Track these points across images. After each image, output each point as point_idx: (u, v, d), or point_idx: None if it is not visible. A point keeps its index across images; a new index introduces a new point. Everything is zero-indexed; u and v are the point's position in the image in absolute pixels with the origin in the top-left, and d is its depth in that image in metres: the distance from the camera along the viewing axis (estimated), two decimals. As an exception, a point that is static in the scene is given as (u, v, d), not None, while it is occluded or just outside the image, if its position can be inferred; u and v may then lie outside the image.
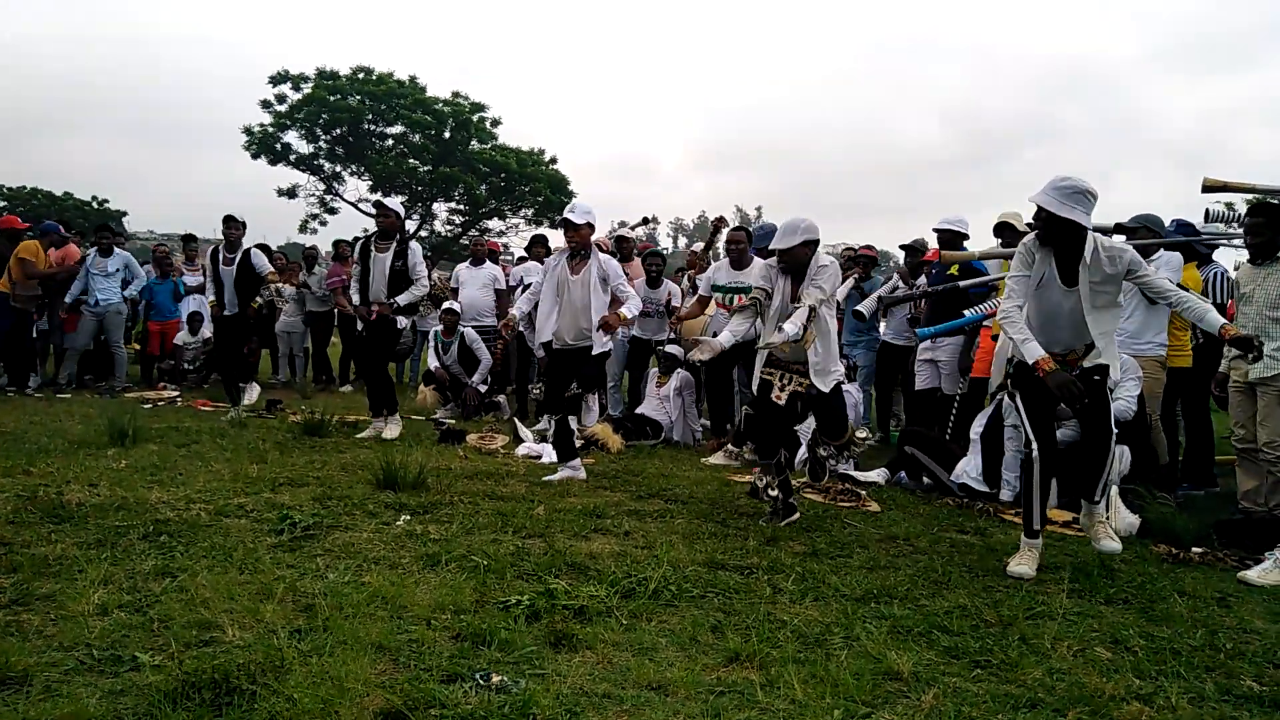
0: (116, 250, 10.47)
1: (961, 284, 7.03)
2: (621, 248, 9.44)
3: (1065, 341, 4.30)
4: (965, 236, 7.60)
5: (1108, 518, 4.42)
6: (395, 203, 7.61)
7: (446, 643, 3.01)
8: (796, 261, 4.97)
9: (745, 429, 7.09)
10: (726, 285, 7.33)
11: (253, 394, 8.65)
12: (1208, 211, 6.47)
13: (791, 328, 4.80)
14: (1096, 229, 5.87)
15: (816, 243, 5.00)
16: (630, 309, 6.02)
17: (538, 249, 9.97)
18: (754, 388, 5.31)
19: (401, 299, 7.17)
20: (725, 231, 7.87)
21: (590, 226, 6.05)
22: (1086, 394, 4.19)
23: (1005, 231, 7.53)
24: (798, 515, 5.13)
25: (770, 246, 5.03)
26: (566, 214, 6.12)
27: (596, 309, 5.96)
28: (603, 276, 6.00)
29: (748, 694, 2.72)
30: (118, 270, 10.33)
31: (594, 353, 6.07)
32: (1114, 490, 5.41)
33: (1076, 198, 4.09)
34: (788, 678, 2.81)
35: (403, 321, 7.33)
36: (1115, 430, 4.27)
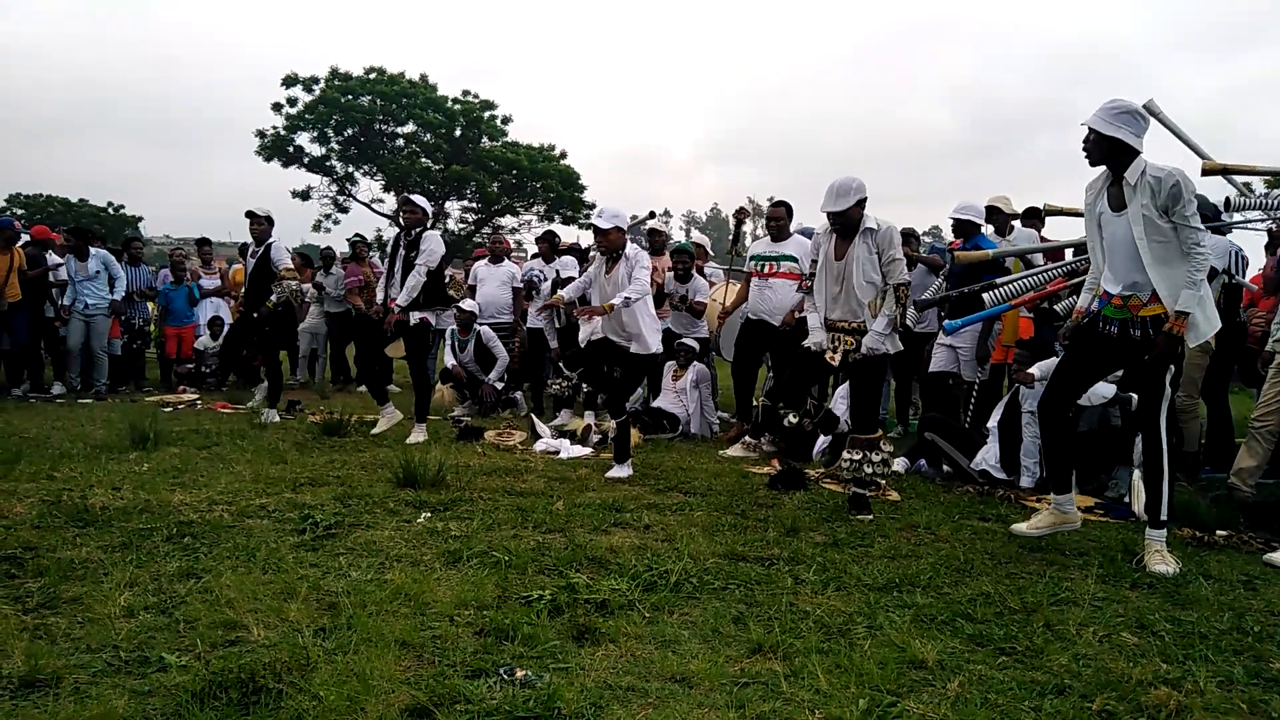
0: (93, 250, 10.28)
1: (1000, 280, 6.96)
2: (653, 241, 9.43)
3: (1127, 278, 4.16)
4: (979, 226, 7.57)
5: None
6: (422, 199, 7.60)
7: (470, 638, 3.02)
8: (850, 222, 5.02)
9: (764, 421, 7.08)
10: (763, 254, 7.35)
11: (268, 416, 8.27)
12: (1228, 200, 6.40)
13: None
14: None
15: (866, 200, 5.05)
16: (625, 294, 5.94)
17: (542, 245, 9.96)
18: (812, 345, 5.29)
19: (401, 298, 7.04)
20: (749, 221, 7.86)
21: (619, 230, 6.09)
22: (1136, 369, 4.19)
23: (993, 215, 7.52)
24: (803, 493, 5.16)
25: (823, 209, 5.04)
26: (595, 219, 6.20)
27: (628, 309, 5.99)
28: (628, 271, 6.01)
29: (772, 685, 2.71)
30: (99, 271, 10.18)
31: (632, 351, 6.08)
32: (1136, 474, 5.37)
33: (1124, 117, 4.07)
34: (811, 668, 2.81)
35: (415, 317, 7.19)
36: (1165, 436, 4.14)
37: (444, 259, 7.49)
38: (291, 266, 8.30)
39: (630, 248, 6.11)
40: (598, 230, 6.09)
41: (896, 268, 4.98)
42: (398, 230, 7.43)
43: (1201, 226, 4.05)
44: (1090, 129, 4.12)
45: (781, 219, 7.43)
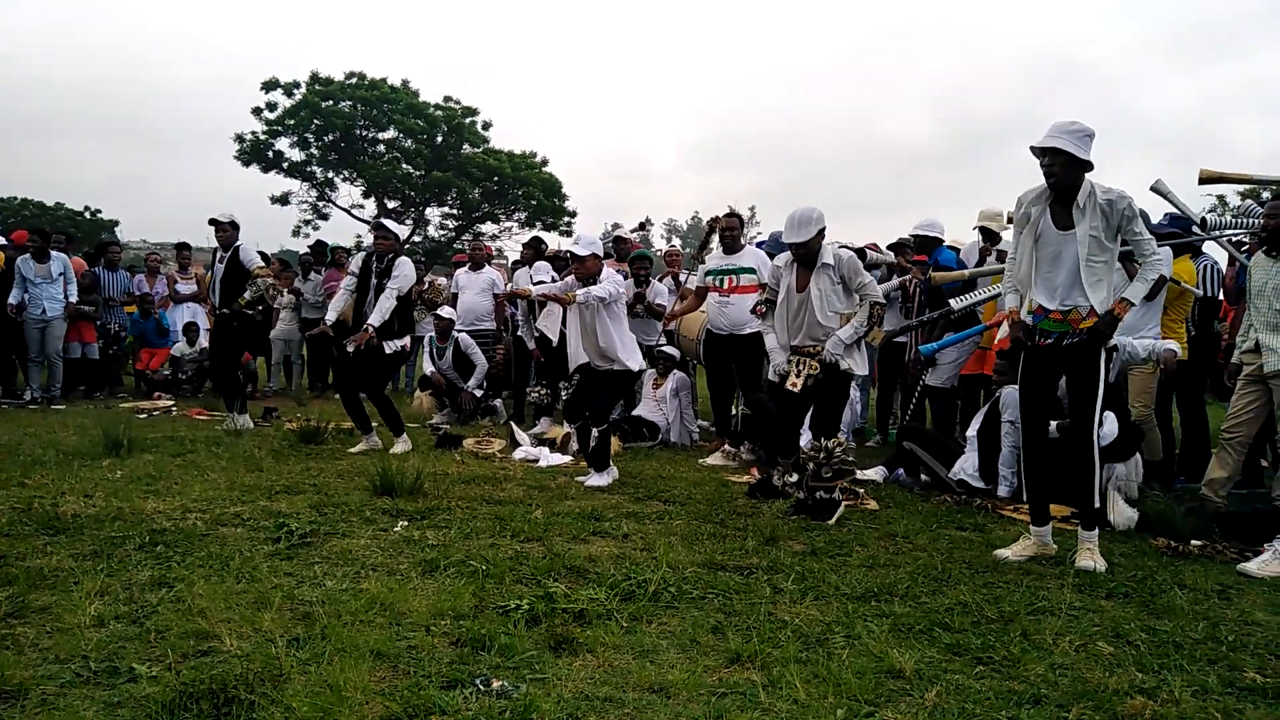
0: (54, 254, 9.92)
1: (956, 304, 7.03)
2: (619, 248, 9.47)
3: (1067, 295, 4.25)
4: (940, 241, 7.64)
5: (1109, 520, 4.43)
6: (395, 225, 7.53)
7: (446, 648, 3.00)
8: (811, 252, 5.13)
9: (744, 430, 7.09)
10: (718, 268, 7.34)
11: (241, 422, 8.20)
12: (1204, 221, 6.47)
13: (850, 331, 4.94)
14: None
15: (825, 230, 5.18)
16: (591, 290, 5.93)
17: (527, 250, 9.94)
18: (771, 376, 5.35)
19: (373, 319, 6.89)
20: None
21: (595, 258, 6.11)
22: (1072, 367, 4.30)
23: (986, 235, 7.59)
24: (782, 502, 5.21)
25: (785, 240, 5.14)
26: (571, 247, 6.27)
27: (603, 332, 6.03)
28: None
29: (750, 695, 2.71)
30: (59, 275, 9.83)
31: (615, 369, 6.11)
32: (1111, 489, 5.41)
33: (1087, 140, 4.16)
34: (790, 678, 2.80)
35: (392, 346, 7.06)
36: (1100, 442, 4.27)
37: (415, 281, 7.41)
38: (264, 265, 8.23)
39: (605, 272, 6.14)
40: (575, 257, 6.12)
41: (869, 289, 5.13)
42: (365, 254, 7.28)
43: (1149, 242, 4.28)
44: (1060, 150, 4.12)
45: (735, 229, 7.41)
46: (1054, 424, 4.96)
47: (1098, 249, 4.17)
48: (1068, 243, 4.21)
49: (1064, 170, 4.16)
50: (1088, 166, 4.17)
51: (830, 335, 5.14)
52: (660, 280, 8.97)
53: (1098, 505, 4.32)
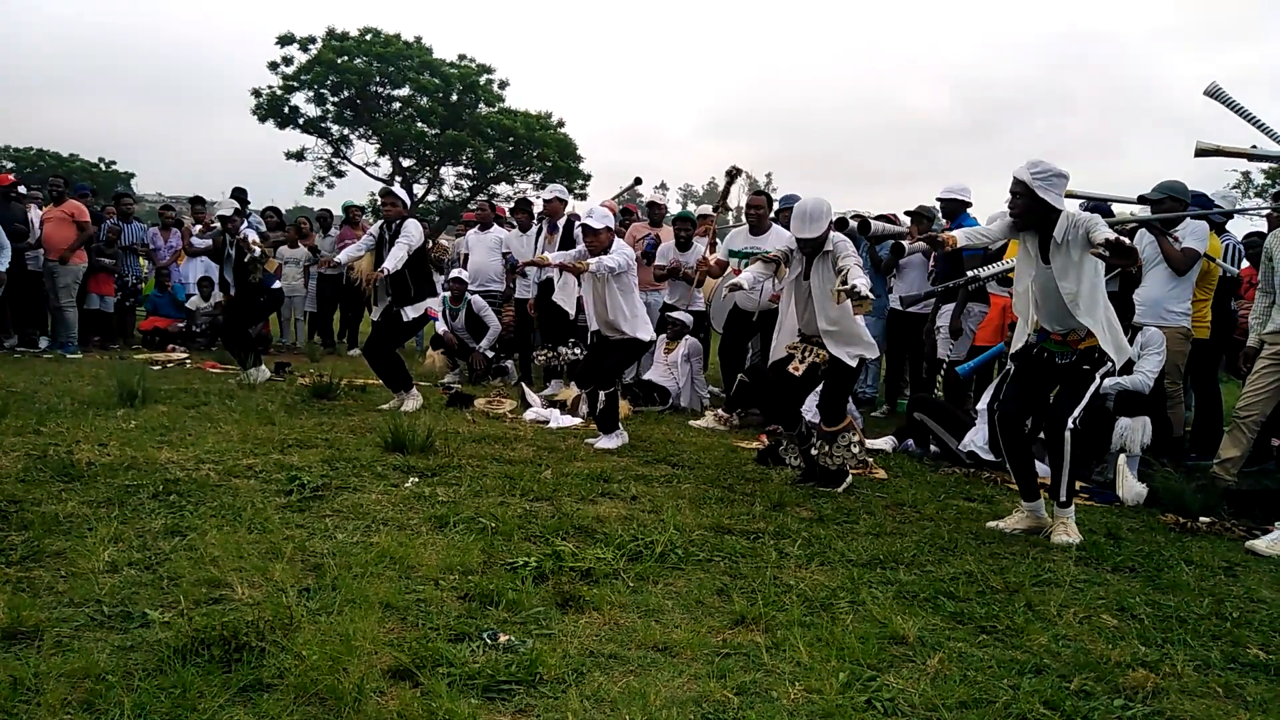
0: None
1: (983, 273, 6.94)
2: (652, 213, 9.43)
3: (1063, 322, 4.29)
4: (968, 204, 7.54)
5: (1116, 482, 4.41)
6: (402, 192, 7.52)
7: (454, 602, 3.03)
8: (821, 245, 5.03)
9: (738, 395, 7.12)
10: (743, 250, 7.29)
11: (261, 375, 8.34)
12: (1253, 161, 6.36)
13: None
14: (1118, 200, 5.83)
15: (834, 221, 5.13)
16: (604, 259, 5.93)
17: (519, 215, 9.85)
18: (770, 359, 5.34)
19: (387, 264, 6.83)
20: (740, 180, 7.82)
21: (609, 230, 6.11)
22: (1064, 378, 4.33)
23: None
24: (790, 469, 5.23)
25: (795, 235, 5.04)
26: (585, 220, 6.23)
27: (612, 303, 6.05)
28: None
29: (753, 656, 2.73)
30: None
31: (625, 338, 6.14)
32: (1122, 459, 5.41)
33: (1055, 181, 4.15)
34: (793, 641, 2.82)
35: (410, 314, 7.12)
36: (1074, 426, 4.24)
37: (427, 240, 7.42)
38: (256, 239, 8.22)
39: (617, 244, 6.13)
40: (589, 230, 6.11)
41: (849, 263, 4.91)
42: (381, 222, 7.30)
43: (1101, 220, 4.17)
44: (1022, 184, 4.16)
45: (762, 208, 7.36)
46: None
47: (1080, 278, 4.15)
48: (1050, 277, 4.23)
49: (1025, 206, 4.20)
50: (1052, 210, 4.14)
51: (830, 330, 5.04)
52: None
53: (1063, 498, 4.31)
